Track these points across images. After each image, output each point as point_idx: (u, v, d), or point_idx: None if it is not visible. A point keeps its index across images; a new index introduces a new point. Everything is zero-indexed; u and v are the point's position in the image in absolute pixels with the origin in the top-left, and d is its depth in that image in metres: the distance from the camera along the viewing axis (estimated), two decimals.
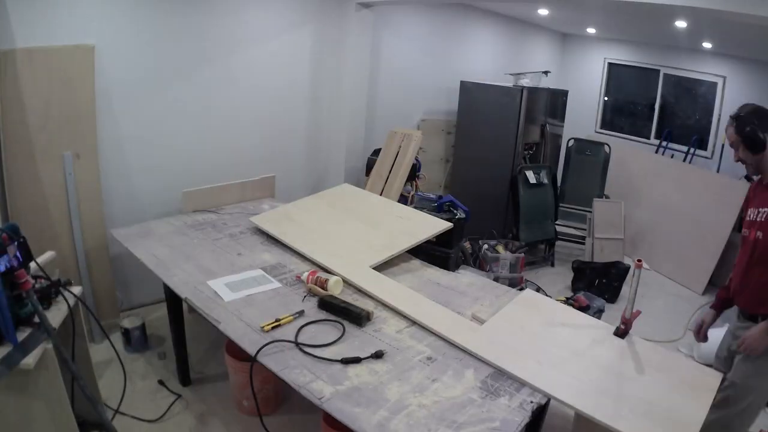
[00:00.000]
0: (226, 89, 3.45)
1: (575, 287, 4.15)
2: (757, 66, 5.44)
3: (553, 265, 4.73)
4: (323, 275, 2.18)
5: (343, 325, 1.90)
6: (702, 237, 4.46)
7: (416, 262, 2.59)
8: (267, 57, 3.69)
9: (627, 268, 4.10)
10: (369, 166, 4.35)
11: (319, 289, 2.13)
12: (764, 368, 1.83)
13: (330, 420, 1.81)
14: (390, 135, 4.29)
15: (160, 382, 2.60)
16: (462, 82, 5.05)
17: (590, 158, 5.35)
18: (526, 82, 4.82)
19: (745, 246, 1.91)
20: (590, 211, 4.77)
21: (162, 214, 3.05)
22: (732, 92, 5.71)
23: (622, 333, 1.90)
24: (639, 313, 1.91)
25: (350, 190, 3.25)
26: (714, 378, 1.70)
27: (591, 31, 6.24)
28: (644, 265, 1.90)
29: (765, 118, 1.80)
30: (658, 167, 5.34)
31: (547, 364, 1.72)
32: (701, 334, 2.18)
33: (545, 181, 4.73)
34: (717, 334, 3.20)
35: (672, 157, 5.85)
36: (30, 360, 1.52)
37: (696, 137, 5.87)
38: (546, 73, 5.07)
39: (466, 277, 2.50)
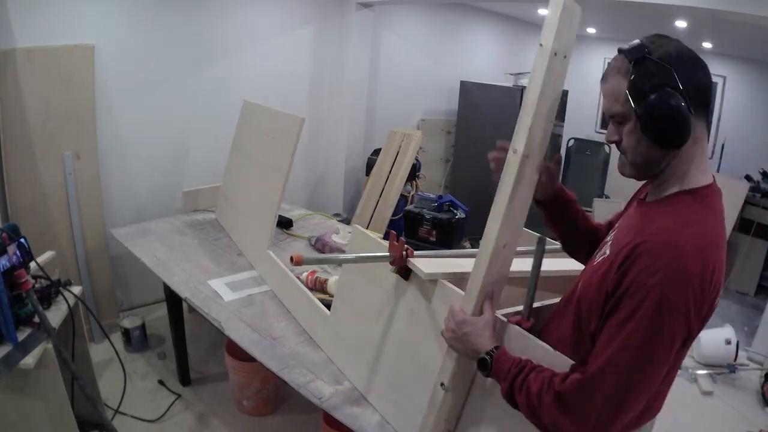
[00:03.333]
0: (226, 89, 3.45)
1: None
2: (757, 66, 5.44)
3: None
4: (323, 275, 2.17)
5: None
6: None
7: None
8: (267, 57, 3.69)
9: None
10: (369, 166, 4.35)
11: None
12: None
13: (330, 420, 1.81)
14: (390, 135, 4.29)
15: (160, 382, 2.60)
16: (462, 82, 5.06)
17: (590, 158, 5.35)
18: (526, 82, 4.82)
19: None
20: (590, 211, 4.78)
21: (162, 214, 3.05)
22: (732, 92, 5.70)
23: None
24: None
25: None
26: None
27: (591, 31, 6.24)
28: None
29: (701, 86, 0.91)
30: None
31: None
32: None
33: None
34: (716, 334, 3.20)
35: None
36: (30, 360, 1.52)
37: None
38: None
39: None
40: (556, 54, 1.02)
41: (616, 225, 1.09)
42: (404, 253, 1.37)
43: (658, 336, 0.83)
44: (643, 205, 1.01)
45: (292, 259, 1.19)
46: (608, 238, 1.05)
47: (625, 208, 1.14)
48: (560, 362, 1.02)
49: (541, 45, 1.02)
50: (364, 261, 1.48)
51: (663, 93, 0.87)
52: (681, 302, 0.82)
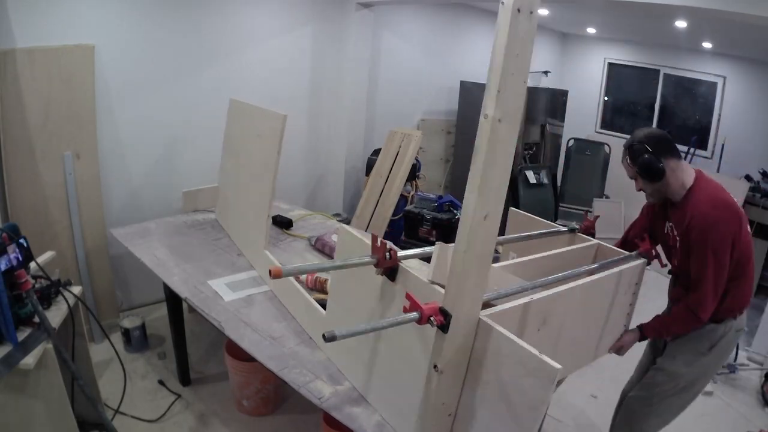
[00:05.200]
0: (226, 89, 3.44)
1: None
2: (757, 66, 5.44)
3: None
4: (323, 276, 2.17)
5: None
6: None
7: (415, 262, 2.58)
8: (267, 57, 3.69)
9: None
10: (369, 166, 4.35)
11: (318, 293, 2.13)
12: (691, 358, 1.81)
13: (330, 420, 1.81)
14: (390, 135, 4.30)
15: (160, 382, 2.60)
16: (462, 82, 5.06)
17: (590, 158, 5.35)
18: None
19: None
20: (590, 211, 4.77)
21: (162, 214, 3.04)
22: (732, 92, 5.71)
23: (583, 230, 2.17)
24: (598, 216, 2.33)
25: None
26: None
27: (591, 31, 6.24)
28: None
29: (659, 143, 1.71)
30: None
31: None
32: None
33: (545, 181, 4.74)
34: None
35: None
36: (30, 360, 1.52)
37: (696, 137, 5.87)
38: (546, 73, 5.08)
39: None
40: (519, 10, 0.95)
41: (669, 215, 1.83)
42: (387, 254, 1.35)
43: (719, 250, 1.63)
44: (673, 206, 1.79)
45: (270, 272, 1.14)
46: (668, 225, 1.82)
47: (647, 213, 2.06)
48: (545, 367, 1.03)
49: (502, 3, 0.96)
50: (347, 267, 1.42)
51: (643, 157, 1.71)
52: (724, 227, 1.62)
